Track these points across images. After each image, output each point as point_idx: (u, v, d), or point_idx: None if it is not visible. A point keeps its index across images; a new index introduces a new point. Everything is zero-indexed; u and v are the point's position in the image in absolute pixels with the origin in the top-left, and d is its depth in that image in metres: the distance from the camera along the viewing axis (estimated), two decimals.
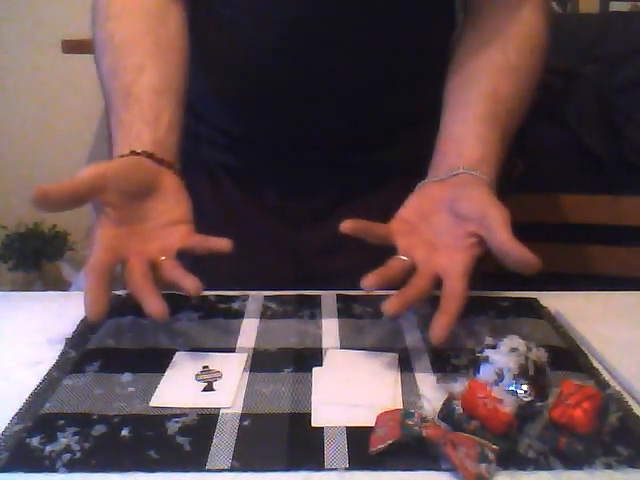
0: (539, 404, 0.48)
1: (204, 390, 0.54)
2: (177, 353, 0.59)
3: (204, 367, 0.57)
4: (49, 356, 0.59)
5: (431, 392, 0.54)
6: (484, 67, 0.73)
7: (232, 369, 0.57)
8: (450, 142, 0.70)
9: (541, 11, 0.75)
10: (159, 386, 0.54)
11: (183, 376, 0.56)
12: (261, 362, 0.59)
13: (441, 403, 0.50)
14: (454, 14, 0.81)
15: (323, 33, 0.72)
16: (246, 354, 0.60)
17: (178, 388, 0.54)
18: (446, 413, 0.49)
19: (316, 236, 0.81)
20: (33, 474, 0.45)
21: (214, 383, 0.55)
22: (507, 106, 0.71)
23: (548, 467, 0.45)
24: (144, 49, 0.69)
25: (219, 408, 0.52)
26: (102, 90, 0.72)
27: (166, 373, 0.56)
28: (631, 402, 0.53)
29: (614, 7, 1.79)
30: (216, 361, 0.58)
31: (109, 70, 0.70)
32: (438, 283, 0.62)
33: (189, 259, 0.92)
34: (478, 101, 0.71)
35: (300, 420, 0.50)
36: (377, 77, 0.76)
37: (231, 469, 0.45)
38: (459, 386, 0.50)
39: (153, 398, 0.53)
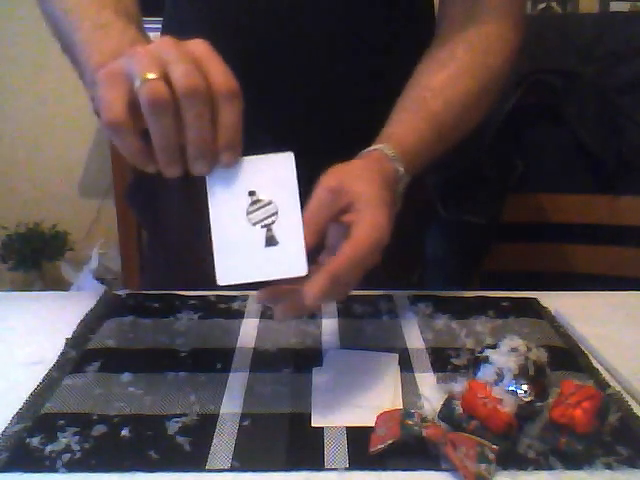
0: (539, 404, 0.48)
1: (267, 245, 0.47)
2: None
3: (253, 200, 0.49)
4: (49, 356, 0.59)
5: (431, 392, 0.54)
6: (429, 62, 0.74)
7: (284, 194, 0.48)
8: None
9: (509, 20, 0.75)
10: (216, 256, 0.47)
11: (233, 220, 0.48)
12: (261, 362, 0.59)
13: (441, 403, 0.50)
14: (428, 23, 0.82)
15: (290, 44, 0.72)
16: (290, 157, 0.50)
17: (238, 248, 0.47)
18: (446, 413, 0.49)
19: None
20: (33, 474, 0.45)
21: (273, 228, 0.48)
22: (439, 93, 0.71)
23: (548, 467, 0.45)
24: None
25: (219, 407, 0.52)
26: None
27: (211, 214, 0.48)
28: (631, 402, 0.53)
29: (614, 7, 1.80)
30: (261, 181, 0.49)
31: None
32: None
33: (159, 259, 0.92)
34: (408, 91, 0.72)
35: (300, 420, 0.50)
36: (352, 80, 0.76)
37: (231, 469, 0.45)
38: (459, 386, 0.50)
39: (219, 276, 0.47)
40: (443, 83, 0.71)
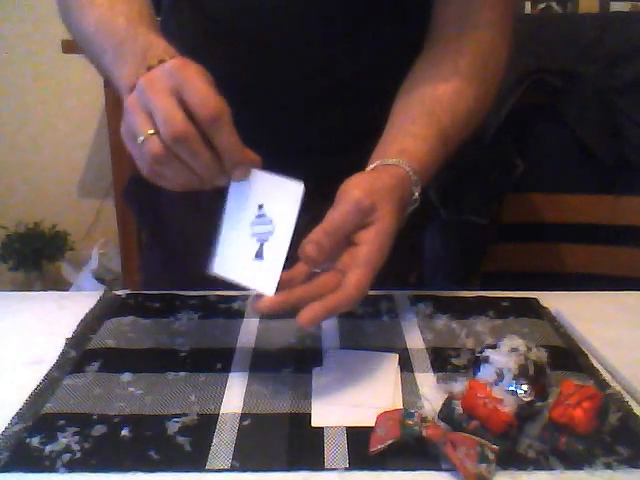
0: (539, 404, 0.48)
1: (255, 257, 0.53)
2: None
3: (259, 213, 0.54)
4: (49, 356, 0.59)
5: (431, 392, 0.54)
6: (432, 73, 0.73)
7: (283, 220, 0.53)
8: (381, 140, 0.70)
9: (501, 33, 0.76)
10: (219, 248, 0.54)
11: (239, 224, 0.54)
12: (261, 362, 0.59)
13: (441, 403, 0.50)
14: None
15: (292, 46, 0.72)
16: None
17: (235, 249, 0.54)
18: (446, 413, 0.49)
19: None
20: (33, 474, 0.45)
21: (264, 245, 0.53)
22: (447, 108, 0.71)
23: (548, 467, 0.45)
24: None
25: (219, 407, 0.52)
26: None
27: (225, 213, 0.55)
28: (631, 402, 0.53)
29: (614, 7, 1.80)
30: (270, 199, 0.54)
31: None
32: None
33: (156, 257, 0.92)
34: (415, 102, 0.72)
35: (300, 420, 0.50)
36: (347, 87, 0.76)
37: (231, 469, 0.45)
38: (459, 386, 0.50)
39: (215, 265, 0.54)
40: (450, 97, 0.71)
